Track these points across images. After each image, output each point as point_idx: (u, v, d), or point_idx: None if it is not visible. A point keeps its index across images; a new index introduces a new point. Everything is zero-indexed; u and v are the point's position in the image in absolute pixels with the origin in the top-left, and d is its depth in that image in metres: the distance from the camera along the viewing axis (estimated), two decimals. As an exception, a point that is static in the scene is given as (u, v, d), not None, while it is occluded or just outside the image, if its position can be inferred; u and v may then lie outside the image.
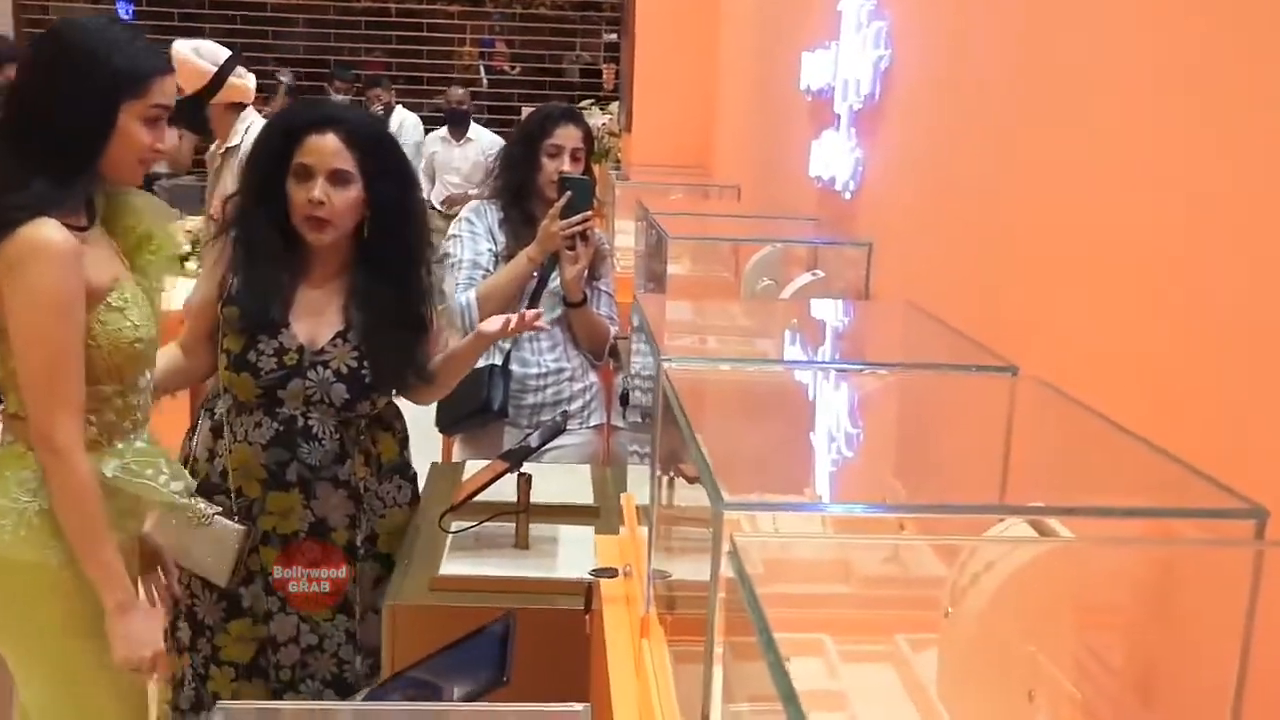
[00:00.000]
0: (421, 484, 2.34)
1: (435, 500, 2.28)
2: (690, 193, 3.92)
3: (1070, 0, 1.41)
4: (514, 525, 2.13)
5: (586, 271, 2.55)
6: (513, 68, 9.99)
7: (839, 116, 2.35)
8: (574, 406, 2.68)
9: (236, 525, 1.92)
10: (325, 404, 1.97)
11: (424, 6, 9.53)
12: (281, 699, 2.01)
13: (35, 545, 1.62)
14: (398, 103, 7.48)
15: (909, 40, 2.02)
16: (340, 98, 6.89)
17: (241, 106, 3.71)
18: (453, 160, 6.69)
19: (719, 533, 0.86)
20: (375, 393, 2.01)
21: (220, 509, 1.93)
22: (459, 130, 6.74)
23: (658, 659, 1.28)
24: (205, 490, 1.96)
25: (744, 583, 0.76)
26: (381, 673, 1.95)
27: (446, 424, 2.76)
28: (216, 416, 2.03)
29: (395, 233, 1.99)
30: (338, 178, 1.92)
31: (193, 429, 2.13)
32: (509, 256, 2.57)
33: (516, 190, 2.61)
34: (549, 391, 2.65)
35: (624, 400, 2.54)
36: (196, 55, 3.09)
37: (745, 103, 4.08)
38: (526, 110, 3.70)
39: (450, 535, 2.09)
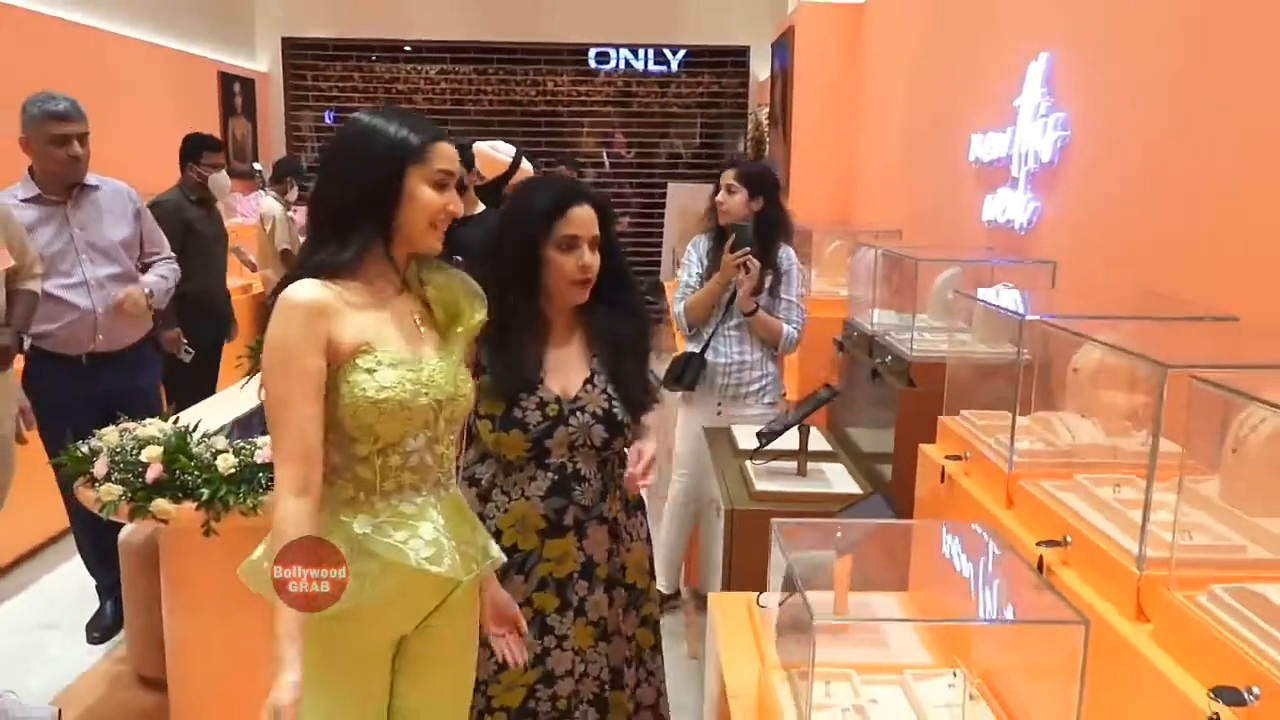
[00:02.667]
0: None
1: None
2: (863, 235, 4.81)
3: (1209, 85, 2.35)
4: (795, 462, 3.06)
5: (756, 288, 3.40)
6: (628, 151, 11.39)
7: (1016, 179, 3.31)
8: (753, 389, 3.56)
9: None
10: (588, 447, 2.06)
11: (551, 99, 10.84)
12: None
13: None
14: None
15: (1081, 126, 2.98)
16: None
17: None
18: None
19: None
20: (626, 428, 2.12)
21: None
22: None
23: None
24: None
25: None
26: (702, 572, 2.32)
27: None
28: (482, 483, 2.11)
29: (616, 277, 2.12)
30: (594, 244, 2.07)
31: None
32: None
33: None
34: (732, 377, 3.56)
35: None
36: (494, 150, 4.09)
37: (897, 167, 5.08)
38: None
39: (754, 464, 3.04)
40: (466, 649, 1.86)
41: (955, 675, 1.73)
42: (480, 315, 1.79)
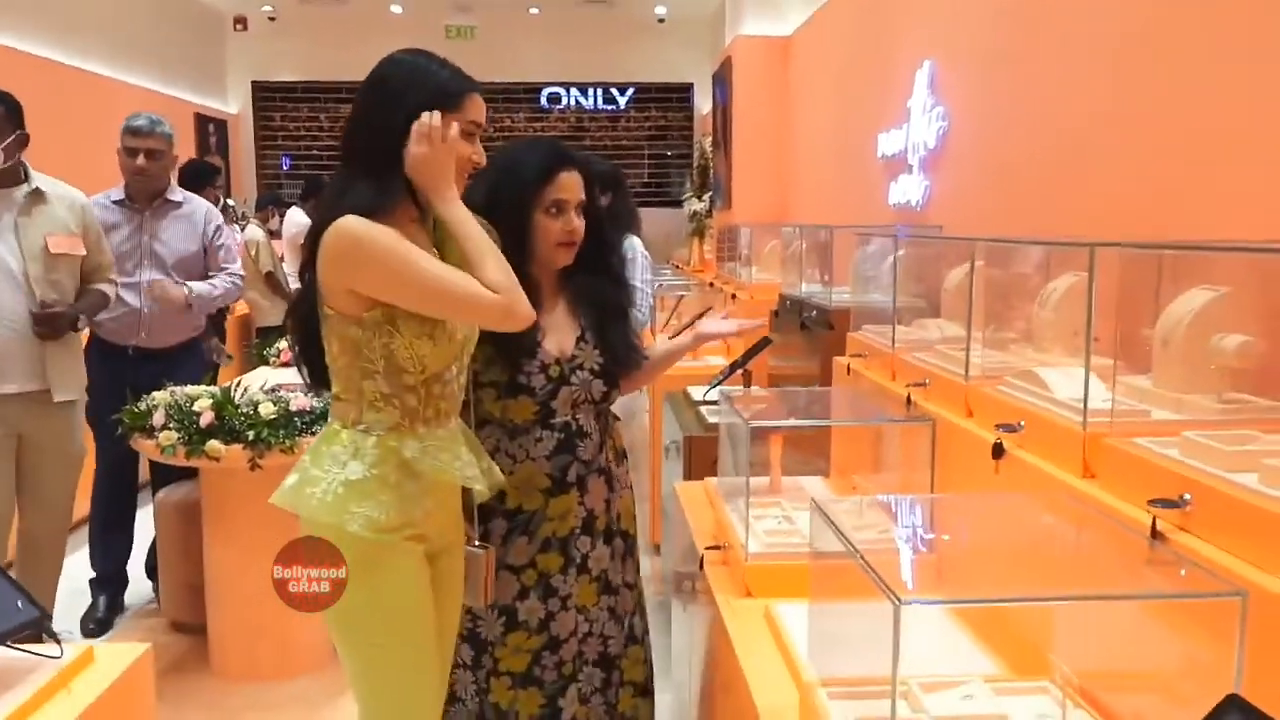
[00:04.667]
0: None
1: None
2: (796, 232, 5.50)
3: (1059, 78, 3.06)
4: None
5: None
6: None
7: (911, 166, 4.03)
8: None
9: (478, 549, 2.00)
10: (589, 402, 2.12)
11: (508, 135, 11.54)
12: (561, 697, 2.11)
13: (336, 511, 1.69)
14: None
15: (956, 116, 3.70)
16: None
17: None
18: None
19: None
20: (618, 380, 2.18)
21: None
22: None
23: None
24: (483, 516, 2.05)
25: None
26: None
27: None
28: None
29: (597, 241, 2.13)
30: (580, 208, 2.07)
31: None
32: None
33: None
34: None
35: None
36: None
37: (823, 170, 5.83)
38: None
39: (705, 408, 3.67)
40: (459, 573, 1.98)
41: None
42: None
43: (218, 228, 3.98)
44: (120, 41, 8.41)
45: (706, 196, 8.41)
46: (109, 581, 3.99)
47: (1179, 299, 1.69)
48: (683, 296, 5.76)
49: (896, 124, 4.27)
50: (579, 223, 2.06)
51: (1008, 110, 3.29)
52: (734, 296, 5.69)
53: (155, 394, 3.40)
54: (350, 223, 1.63)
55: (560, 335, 2.11)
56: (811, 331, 3.70)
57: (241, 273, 4.11)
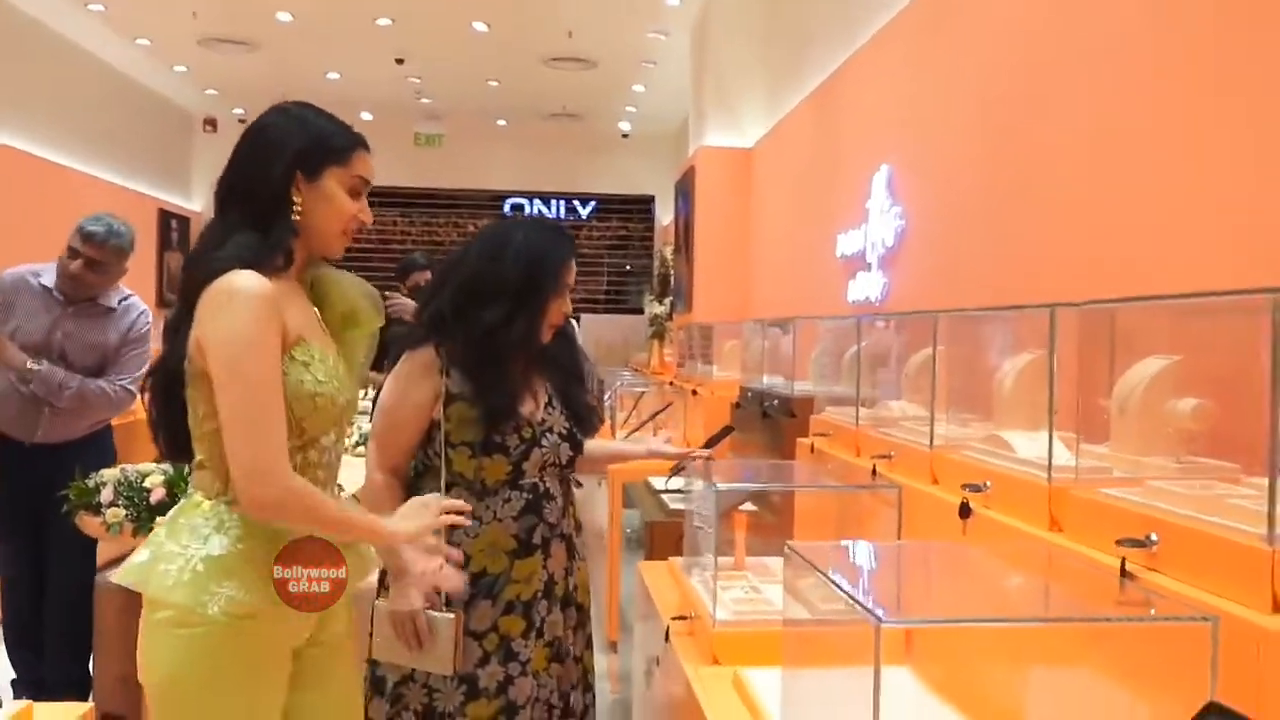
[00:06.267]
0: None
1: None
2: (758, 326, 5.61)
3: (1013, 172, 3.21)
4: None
5: None
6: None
7: (870, 263, 4.15)
8: None
9: (447, 614, 1.97)
10: (556, 465, 2.15)
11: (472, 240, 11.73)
12: None
13: (194, 590, 1.53)
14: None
15: (914, 216, 3.84)
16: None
17: None
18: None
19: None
20: (582, 446, 2.23)
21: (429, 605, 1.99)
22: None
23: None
24: None
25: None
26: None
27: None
28: None
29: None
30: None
31: None
32: None
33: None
34: None
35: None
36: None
37: (783, 270, 5.97)
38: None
39: (667, 495, 3.66)
40: (356, 665, 1.83)
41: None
42: (379, 321, 1.80)
43: (140, 336, 3.62)
44: (90, 136, 8.50)
45: (667, 300, 8.56)
46: (31, 684, 3.70)
47: (1134, 367, 1.75)
48: (643, 393, 5.83)
49: (855, 224, 4.43)
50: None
51: (963, 208, 3.43)
52: (694, 393, 5.74)
53: (104, 470, 3.31)
54: (241, 280, 1.52)
55: (531, 400, 2.15)
56: (774, 420, 3.74)
57: (132, 389, 3.60)
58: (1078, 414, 1.76)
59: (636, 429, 5.79)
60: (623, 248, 12.59)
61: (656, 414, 5.81)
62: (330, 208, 1.63)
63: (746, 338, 4.59)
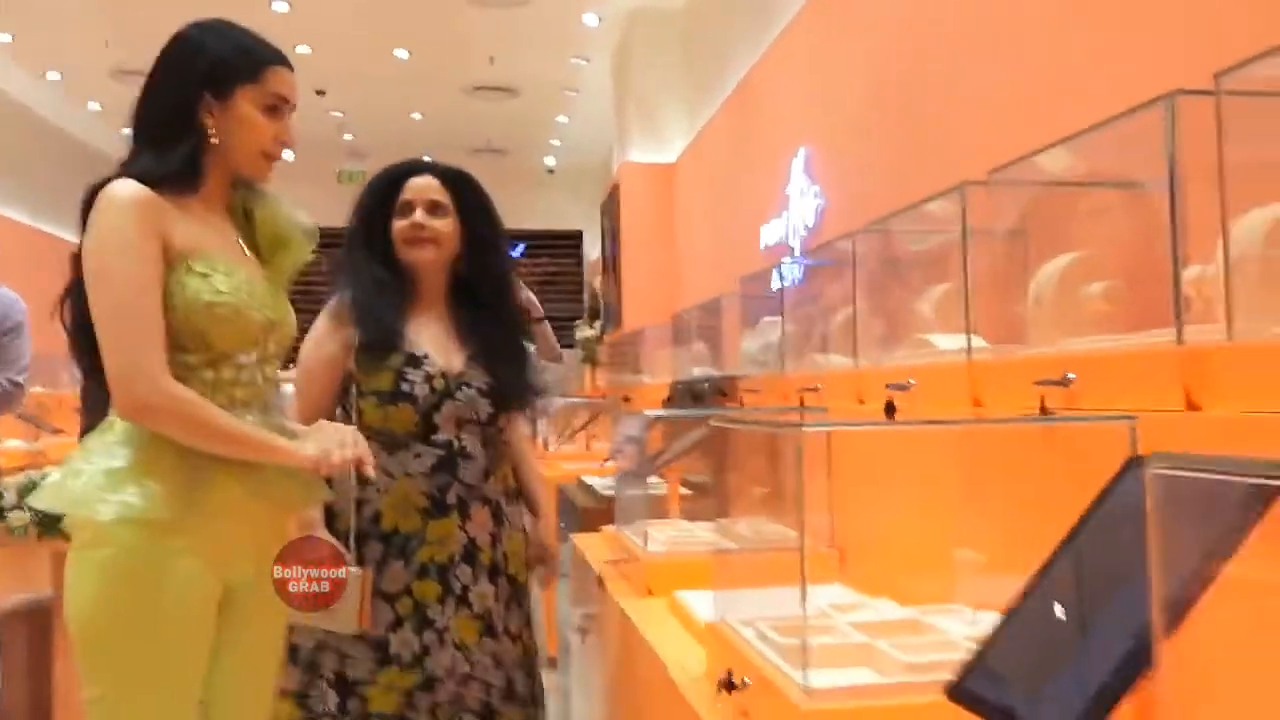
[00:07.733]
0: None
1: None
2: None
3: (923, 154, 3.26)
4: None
5: None
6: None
7: (793, 248, 4.19)
8: None
9: (356, 570, 1.85)
10: (474, 422, 2.06)
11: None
12: None
13: (90, 500, 1.46)
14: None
15: (832, 194, 3.90)
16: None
17: None
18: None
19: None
20: (508, 407, 2.14)
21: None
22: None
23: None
24: (358, 539, 1.97)
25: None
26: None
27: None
28: None
29: (486, 266, 2.17)
30: (435, 208, 2.13)
31: None
32: None
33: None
34: None
35: None
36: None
37: (709, 271, 6.02)
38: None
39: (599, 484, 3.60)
40: (280, 615, 1.70)
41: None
42: (309, 249, 1.76)
43: (13, 326, 3.46)
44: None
45: (597, 324, 8.55)
46: None
47: (1047, 264, 1.80)
48: (575, 406, 5.85)
49: (777, 212, 4.47)
50: (421, 218, 2.11)
51: (879, 184, 3.49)
52: (626, 399, 5.70)
53: (7, 479, 3.19)
54: (118, 188, 1.49)
55: (448, 354, 2.09)
56: (706, 403, 3.72)
57: (19, 380, 3.48)
58: (996, 312, 1.79)
59: (571, 436, 5.83)
60: (552, 283, 12.55)
61: (585, 425, 5.82)
62: (245, 129, 1.59)
63: (676, 329, 4.60)
